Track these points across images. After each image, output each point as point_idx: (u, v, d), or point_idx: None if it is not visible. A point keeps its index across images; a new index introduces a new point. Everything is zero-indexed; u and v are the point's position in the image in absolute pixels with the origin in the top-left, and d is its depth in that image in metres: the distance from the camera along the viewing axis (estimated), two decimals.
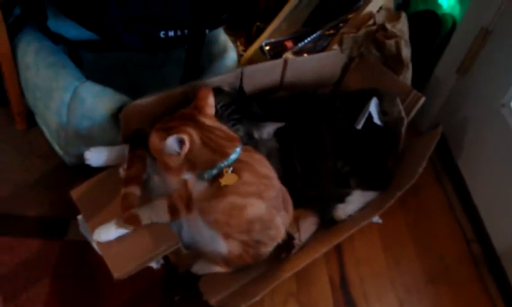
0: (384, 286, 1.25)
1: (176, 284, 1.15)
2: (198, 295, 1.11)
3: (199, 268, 1.13)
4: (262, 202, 1.00)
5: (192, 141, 0.96)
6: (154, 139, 0.99)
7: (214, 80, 1.26)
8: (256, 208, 1.00)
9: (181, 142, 0.95)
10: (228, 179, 0.96)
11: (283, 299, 1.18)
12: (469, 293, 1.27)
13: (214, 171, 0.97)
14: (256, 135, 1.20)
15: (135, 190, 1.06)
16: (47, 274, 1.12)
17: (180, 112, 1.05)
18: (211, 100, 1.05)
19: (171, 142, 0.95)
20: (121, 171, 1.18)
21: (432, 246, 1.37)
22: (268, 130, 1.20)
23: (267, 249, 1.08)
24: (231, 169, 0.97)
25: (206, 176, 0.98)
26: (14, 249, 1.15)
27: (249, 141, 1.18)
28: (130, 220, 1.02)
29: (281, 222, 1.07)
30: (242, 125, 1.18)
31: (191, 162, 0.98)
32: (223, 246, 1.05)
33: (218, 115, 1.15)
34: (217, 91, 1.20)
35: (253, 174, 1.01)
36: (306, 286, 1.21)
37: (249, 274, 1.13)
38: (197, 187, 1.00)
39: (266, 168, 1.06)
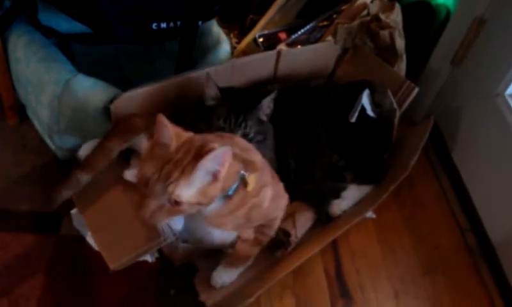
0: (380, 278, 1.25)
1: (172, 277, 1.15)
2: (193, 289, 1.11)
3: (219, 278, 1.11)
4: (268, 188, 0.98)
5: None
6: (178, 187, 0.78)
7: (206, 71, 1.25)
8: (267, 196, 0.97)
9: (220, 162, 0.80)
10: (252, 182, 0.90)
11: (279, 291, 1.17)
12: (465, 283, 1.27)
13: (236, 184, 0.89)
14: (263, 117, 1.20)
15: (83, 176, 1.05)
16: (41, 269, 1.11)
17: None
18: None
19: (214, 159, 0.78)
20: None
21: (427, 237, 1.37)
22: (268, 105, 1.20)
23: (278, 220, 1.08)
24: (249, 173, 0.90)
25: (230, 192, 0.89)
26: (7, 244, 1.14)
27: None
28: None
29: (279, 190, 1.06)
30: (251, 119, 1.17)
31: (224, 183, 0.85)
32: (233, 236, 1.06)
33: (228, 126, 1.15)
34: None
35: None
36: (302, 278, 1.21)
37: (245, 274, 1.13)
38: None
39: (250, 150, 0.99)
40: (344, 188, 1.30)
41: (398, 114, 1.36)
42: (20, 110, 1.41)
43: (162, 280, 1.14)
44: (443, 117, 1.59)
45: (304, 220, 1.24)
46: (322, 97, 1.39)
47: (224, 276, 1.10)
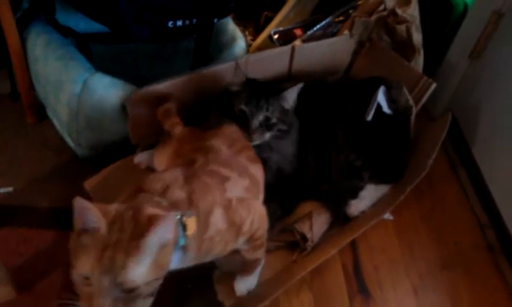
0: (398, 274, 1.24)
1: (190, 272, 1.14)
2: (211, 284, 1.12)
3: (243, 287, 1.10)
4: (216, 210, 0.86)
5: None
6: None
7: (221, 67, 1.26)
8: (218, 219, 0.86)
9: (167, 231, 0.70)
10: (192, 225, 0.79)
11: (297, 287, 1.17)
12: (484, 279, 1.25)
13: (181, 231, 0.77)
14: (286, 106, 1.20)
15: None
16: (62, 264, 1.12)
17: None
18: None
19: (158, 233, 0.68)
20: (137, 157, 1.19)
21: (446, 233, 1.35)
22: (292, 96, 1.19)
23: (258, 217, 0.96)
24: (186, 213, 0.79)
25: (181, 242, 0.78)
26: (29, 239, 1.16)
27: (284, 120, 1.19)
28: None
29: (240, 196, 0.93)
30: (274, 105, 1.17)
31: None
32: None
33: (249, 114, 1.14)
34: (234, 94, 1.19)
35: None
36: (320, 274, 1.20)
37: (263, 275, 1.14)
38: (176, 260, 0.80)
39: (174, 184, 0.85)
40: (362, 188, 1.29)
41: (414, 110, 1.35)
42: (39, 110, 1.44)
43: (180, 274, 1.14)
44: (462, 112, 1.56)
45: (321, 222, 1.23)
46: (338, 94, 1.39)
47: (246, 284, 1.10)
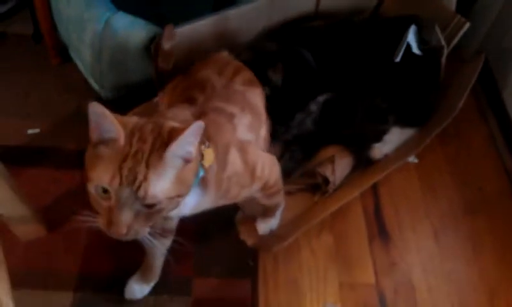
0: (419, 217, 1.25)
1: (211, 213, 1.17)
2: (232, 223, 1.15)
3: (265, 227, 1.14)
4: (233, 149, 0.83)
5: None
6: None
7: (245, 9, 1.21)
8: (236, 159, 0.83)
9: (191, 142, 0.65)
10: (209, 157, 0.74)
11: (317, 229, 1.19)
12: (508, 226, 1.25)
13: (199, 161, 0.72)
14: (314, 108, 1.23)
15: None
16: (90, 204, 1.16)
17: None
18: None
19: (185, 140, 0.63)
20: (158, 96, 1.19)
21: (471, 178, 1.34)
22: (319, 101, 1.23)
23: (268, 167, 0.93)
24: (206, 144, 0.74)
25: (201, 173, 0.74)
26: (58, 180, 1.20)
27: None
28: None
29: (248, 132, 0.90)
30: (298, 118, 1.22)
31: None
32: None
33: None
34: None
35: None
36: (340, 216, 1.21)
37: (284, 216, 1.15)
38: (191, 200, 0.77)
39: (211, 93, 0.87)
40: (386, 131, 1.28)
41: (446, 51, 1.29)
42: (62, 52, 1.44)
43: (202, 215, 1.17)
44: (494, 54, 1.50)
45: (344, 166, 1.23)
46: (366, 33, 1.34)
47: (268, 224, 1.13)
